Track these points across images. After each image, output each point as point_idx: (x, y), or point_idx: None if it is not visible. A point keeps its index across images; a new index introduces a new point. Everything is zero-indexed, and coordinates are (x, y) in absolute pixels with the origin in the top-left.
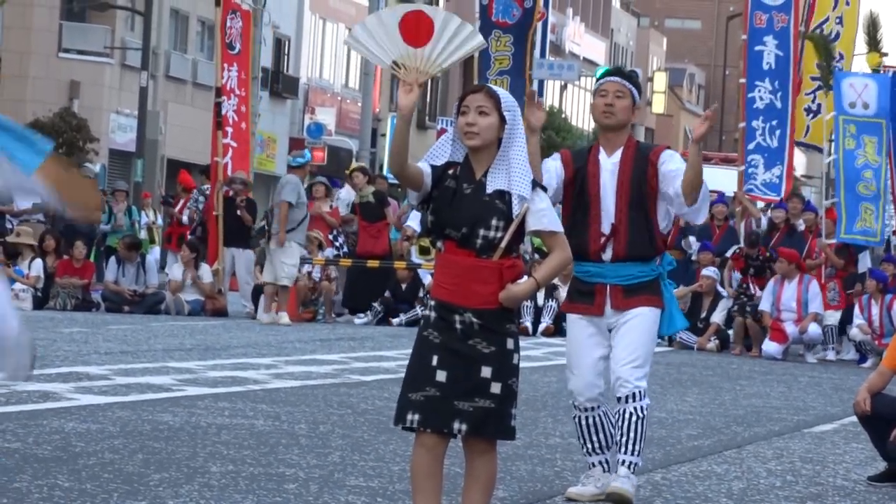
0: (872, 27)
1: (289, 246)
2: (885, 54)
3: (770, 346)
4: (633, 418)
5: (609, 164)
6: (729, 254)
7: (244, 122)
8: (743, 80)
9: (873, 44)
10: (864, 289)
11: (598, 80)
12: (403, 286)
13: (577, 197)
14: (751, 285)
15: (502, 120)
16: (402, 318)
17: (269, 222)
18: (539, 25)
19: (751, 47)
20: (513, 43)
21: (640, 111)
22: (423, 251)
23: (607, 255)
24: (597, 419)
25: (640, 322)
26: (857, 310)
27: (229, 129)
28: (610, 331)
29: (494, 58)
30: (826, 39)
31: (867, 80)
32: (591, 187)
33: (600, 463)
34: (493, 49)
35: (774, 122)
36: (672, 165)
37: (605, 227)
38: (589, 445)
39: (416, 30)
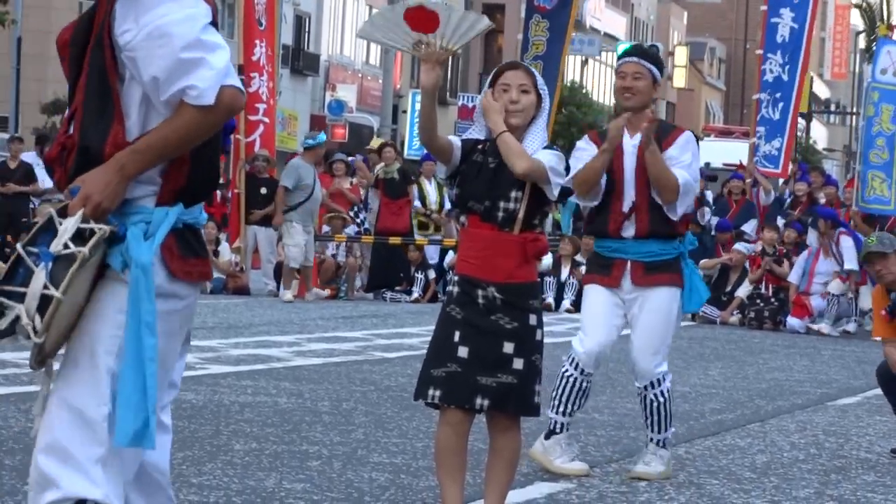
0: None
1: (290, 227)
2: (892, 27)
3: (794, 321)
4: (655, 405)
5: (630, 146)
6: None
7: (273, 98)
8: (760, 52)
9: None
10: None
11: (618, 59)
12: (412, 268)
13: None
14: (763, 286)
15: (538, 98)
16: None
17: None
18: None
19: (769, 19)
20: (548, 29)
21: (660, 87)
22: (423, 227)
23: (628, 232)
24: (586, 385)
25: (657, 305)
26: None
27: (261, 106)
28: (627, 304)
29: (532, 42)
30: (872, 8)
31: None
32: (614, 167)
33: (563, 426)
34: (532, 33)
35: (778, 95)
36: (672, 152)
37: (626, 206)
38: (565, 407)
39: (422, 20)
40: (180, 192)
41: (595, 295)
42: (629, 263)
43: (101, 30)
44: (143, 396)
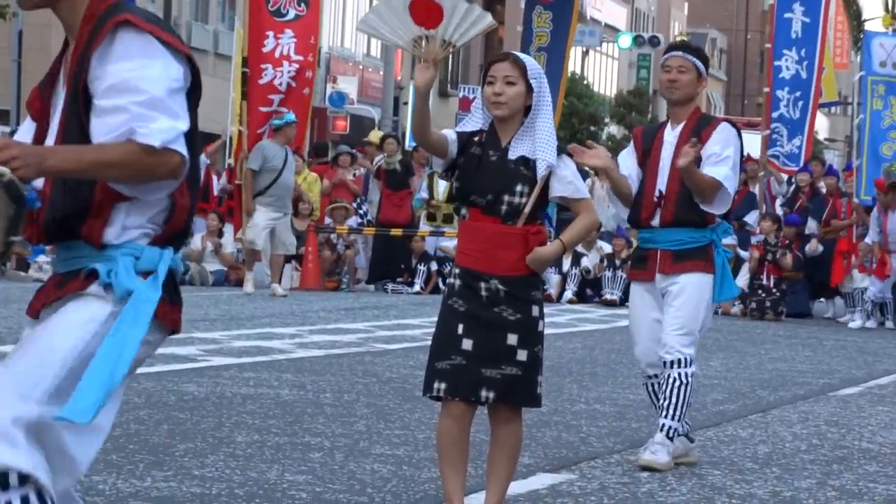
0: None
1: (255, 209)
2: None
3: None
4: (677, 383)
5: (671, 137)
6: (754, 238)
7: (307, 88)
8: (769, 45)
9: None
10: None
11: (663, 55)
12: (414, 260)
13: (642, 169)
14: (765, 277)
15: (529, 88)
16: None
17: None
18: None
19: (779, 14)
20: (552, 20)
21: (705, 83)
22: (430, 217)
23: (656, 220)
24: (652, 386)
25: (687, 289)
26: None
27: (276, 97)
28: (663, 296)
29: (536, 33)
30: (858, 2)
31: None
32: (651, 159)
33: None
34: (535, 25)
35: (798, 94)
36: (713, 148)
37: (656, 195)
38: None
39: (426, 13)
40: (173, 237)
41: (633, 298)
42: (659, 253)
43: (76, 80)
44: (110, 377)
